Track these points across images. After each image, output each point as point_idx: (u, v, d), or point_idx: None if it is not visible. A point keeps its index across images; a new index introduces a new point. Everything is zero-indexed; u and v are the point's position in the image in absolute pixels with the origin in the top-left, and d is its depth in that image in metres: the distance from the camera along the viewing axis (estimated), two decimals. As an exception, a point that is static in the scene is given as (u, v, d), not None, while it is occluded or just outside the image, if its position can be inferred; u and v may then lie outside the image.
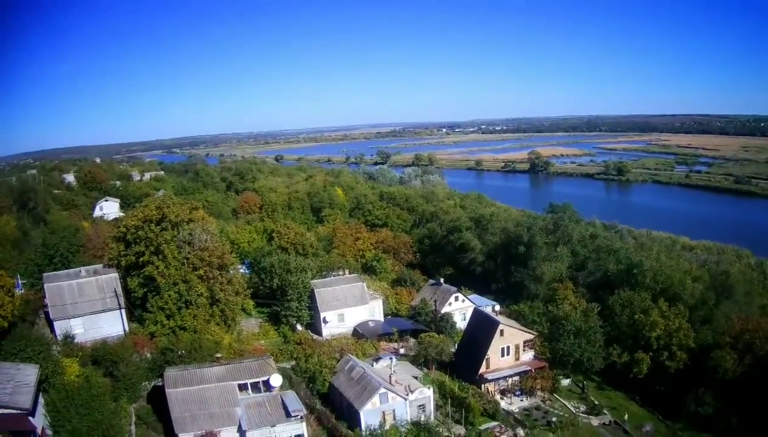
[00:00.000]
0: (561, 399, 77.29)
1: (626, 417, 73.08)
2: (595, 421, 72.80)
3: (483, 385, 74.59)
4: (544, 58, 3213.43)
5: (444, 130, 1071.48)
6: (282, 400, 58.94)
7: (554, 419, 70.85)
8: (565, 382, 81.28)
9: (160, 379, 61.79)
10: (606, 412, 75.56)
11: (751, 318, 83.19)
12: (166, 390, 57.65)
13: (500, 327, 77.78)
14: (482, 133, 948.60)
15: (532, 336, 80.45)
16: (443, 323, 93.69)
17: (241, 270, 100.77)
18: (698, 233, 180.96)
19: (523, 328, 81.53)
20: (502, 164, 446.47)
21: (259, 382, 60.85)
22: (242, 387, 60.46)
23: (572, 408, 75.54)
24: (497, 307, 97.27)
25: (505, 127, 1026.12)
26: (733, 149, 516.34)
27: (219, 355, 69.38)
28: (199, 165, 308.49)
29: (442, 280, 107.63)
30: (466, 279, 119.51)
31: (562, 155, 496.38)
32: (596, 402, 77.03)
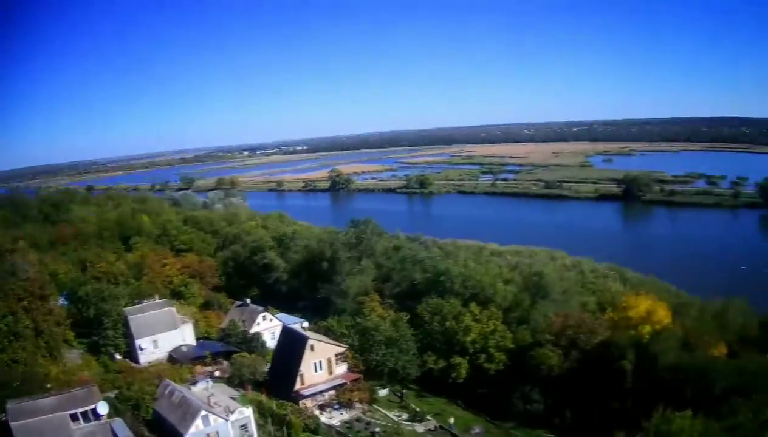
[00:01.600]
0: (381, 410, 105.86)
1: (452, 421, 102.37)
2: (419, 428, 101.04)
3: (300, 401, 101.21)
4: (340, 79, 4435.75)
5: (245, 152, 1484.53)
6: (112, 428, 78.31)
7: (377, 430, 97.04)
8: (383, 392, 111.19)
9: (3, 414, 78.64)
10: (429, 418, 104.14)
11: (571, 315, 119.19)
12: (10, 424, 74.18)
13: (310, 342, 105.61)
14: (283, 154, 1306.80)
15: (343, 349, 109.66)
16: (254, 343, 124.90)
17: (60, 302, 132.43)
18: (507, 238, 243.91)
19: (332, 342, 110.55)
20: (303, 184, 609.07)
21: (88, 411, 78.83)
22: (74, 417, 77.92)
23: (394, 417, 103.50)
24: (305, 324, 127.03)
25: (305, 147, 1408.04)
26: (543, 156, 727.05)
27: (49, 386, 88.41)
28: (19, 197, 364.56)
29: (248, 301, 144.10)
30: (273, 299, 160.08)
31: (363, 172, 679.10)
32: (417, 410, 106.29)
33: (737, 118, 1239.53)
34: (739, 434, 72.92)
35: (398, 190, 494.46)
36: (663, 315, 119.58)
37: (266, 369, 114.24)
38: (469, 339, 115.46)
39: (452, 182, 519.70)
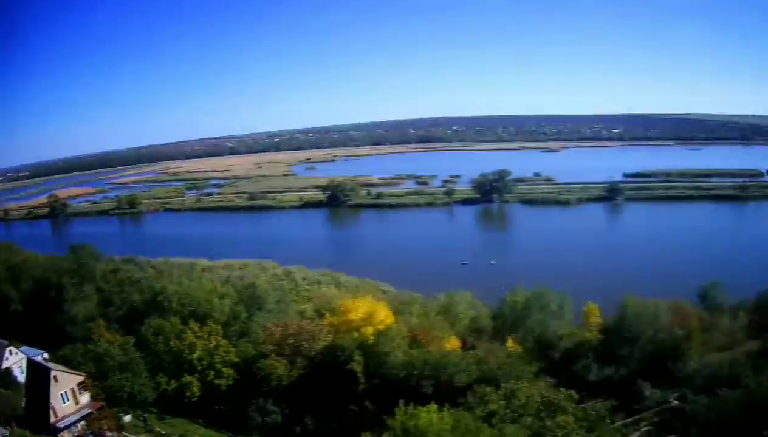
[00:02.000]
0: (129, 436, 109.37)
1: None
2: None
3: (58, 434, 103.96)
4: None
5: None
6: None
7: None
8: (128, 418, 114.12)
9: None
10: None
11: (290, 324, 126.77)
12: None
13: (53, 373, 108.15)
14: (8, 181, 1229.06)
15: (83, 378, 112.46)
16: (7, 379, 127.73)
17: None
18: (217, 253, 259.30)
19: (72, 371, 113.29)
20: (26, 211, 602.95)
21: None
22: None
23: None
24: (46, 355, 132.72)
25: (27, 173, 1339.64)
26: (246, 168, 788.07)
27: None
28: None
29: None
30: (14, 331, 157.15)
31: (78, 195, 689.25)
32: (162, 432, 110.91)
33: (448, 118, 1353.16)
34: (497, 421, 79.51)
35: (111, 212, 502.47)
36: (384, 315, 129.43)
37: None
38: (195, 356, 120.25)
39: (159, 200, 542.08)
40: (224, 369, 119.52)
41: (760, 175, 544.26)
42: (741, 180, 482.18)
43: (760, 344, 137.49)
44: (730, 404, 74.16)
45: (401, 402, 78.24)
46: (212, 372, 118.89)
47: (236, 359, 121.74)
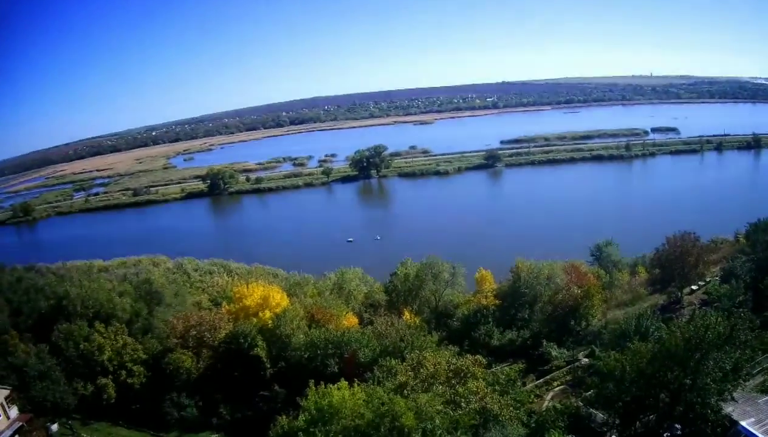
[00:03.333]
0: None
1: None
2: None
3: None
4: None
5: None
6: None
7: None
8: (55, 427, 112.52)
9: None
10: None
11: (190, 316, 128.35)
12: None
13: None
14: None
15: (8, 391, 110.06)
16: None
17: None
18: (110, 252, 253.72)
19: None
20: None
21: None
22: None
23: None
24: None
25: None
26: (127, 164, 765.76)
27: None
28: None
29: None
30: None
31: None
32: None
33: (319, 98, 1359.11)
34: (409, 391, 79.89)
35: (8, 222, 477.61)
36: (279, 297, 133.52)
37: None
38: (105, 357, 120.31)
39: (50, 205, 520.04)
40: (135, 367, 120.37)
41: (645, 133, 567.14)
42: (625, 139, 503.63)
43: (666, 297, 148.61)
44: (642, 355, 77.21)
45: (311, 382, 79.99)
46: (124, 372, 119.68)
47: (144, 356, 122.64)
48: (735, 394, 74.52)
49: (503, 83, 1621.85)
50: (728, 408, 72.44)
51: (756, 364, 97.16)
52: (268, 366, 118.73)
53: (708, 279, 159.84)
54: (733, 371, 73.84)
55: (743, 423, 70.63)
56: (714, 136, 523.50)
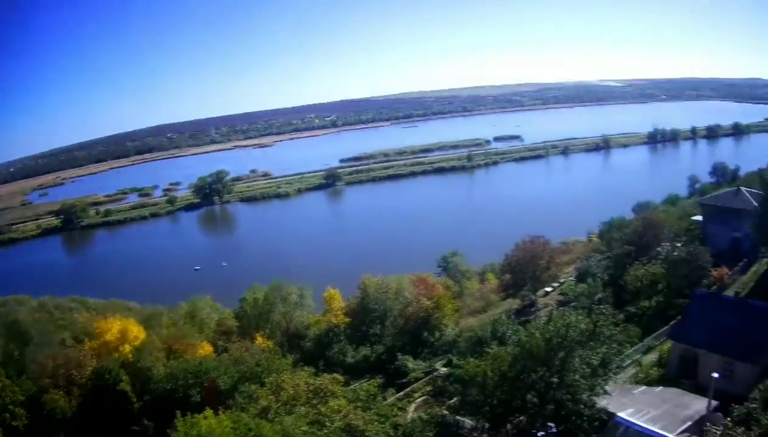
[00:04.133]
0: None
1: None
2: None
3: None
4: None
5: None
6: None
7: None
8: None
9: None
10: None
11: (58, 355, 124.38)
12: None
13: None
14: None
15: None
16: None
17: None
18: None
19: None
20: None
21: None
22: None
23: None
24: None
25: None
26: None
27: None
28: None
29: None
30: None
31: None
32: None
33: (162, 126, 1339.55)
34: (273, 415, 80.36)
35: None
36: (136, 331, 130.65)
37: None
38: None
39: None
40: (16, 410, 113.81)
41: (487, 142, 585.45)
42: (467, 150, 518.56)
43: (519, 301, 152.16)
44: (503, 359, 78.02)
45: (178, 413, 78.73)
46: (8, 415, 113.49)
47: (22, 397, 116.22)
48: (609, 388, 75.92)
49: (343, 101, 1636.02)
50: (603, 402, 73.45)
51: (626, 357, 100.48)
52: (135, 400, 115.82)
53: (563, 280, 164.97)
54: (601, 366, 75.29)
55: (621, 415, 71.90)
56: (560, 140, 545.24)
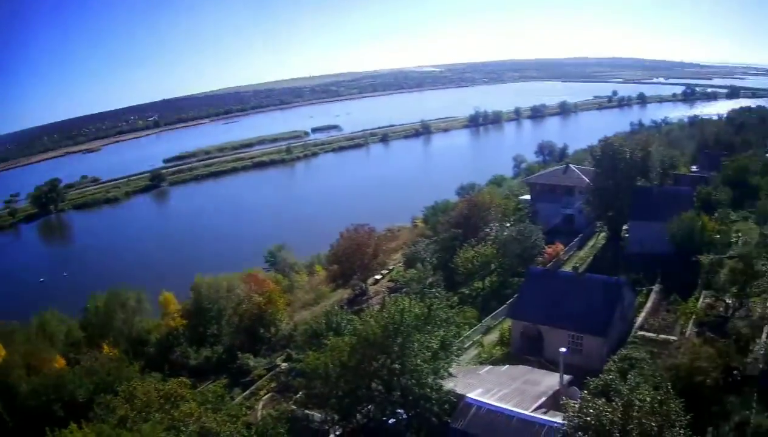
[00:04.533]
0: None
1: None
2: None
3: None
4: None
5: None
6: None
7: None
8: None
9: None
10: None
11: None
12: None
13: None
14: None
15: None
16: None
17: None
18: None
19: None
20: None
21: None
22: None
23: None
24: None
25: None
26: None
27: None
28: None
29: None
30: None
31: None
32: None
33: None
34: (131, 424, 79.17)
35: None
36: None
37: None
38: None
39: None
40: None
41: (306, 134, 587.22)
42: (286, 143, 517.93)
43: (350, 291, 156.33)
44: (341, 349, 77.07)
45: (47, 430, 78.72)
46: None
47: None
48: (453, 370, 77.90)
49: (164, 101, 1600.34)
50: (449, 385, 74.61)
51: (466, 339, 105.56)
52: (8, 420, 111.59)
53: (391, 267, 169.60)
54: (442, 349, 76.98)
55: (470, 395, 73.21)
56: (379, 128, 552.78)
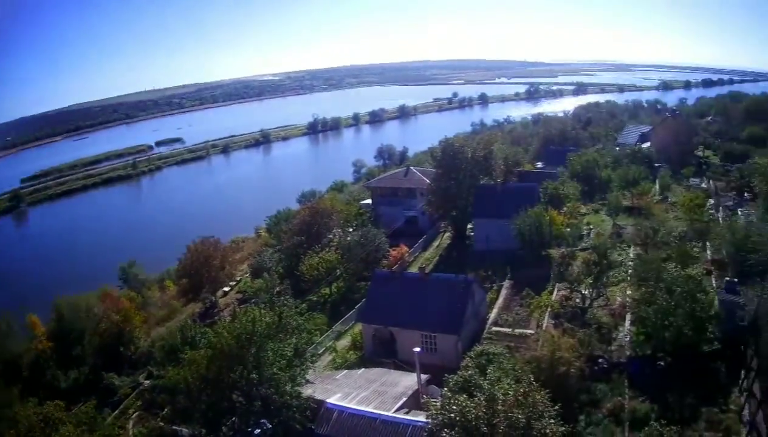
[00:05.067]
0: None
1: None
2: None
3: None
4: None
5: None
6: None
7: None
8: None
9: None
10: None
11: None
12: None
13: None
14: None
15: None
16: None
17: None
18: None
19: None
20: None
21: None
22: None
23: None
24: None
25: None
26: None
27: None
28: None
29: None
30: None
31: None
32: None
33: None
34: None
35: None
36: None
37: None
38: None
39: None
40: None
41: (150, 148, 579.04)
42: (131, 158, 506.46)
43: (201, 304, 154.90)
44: (198, 362, 76.42)
45: None
46: None
47: None
48: (310, 376, 78.25)
49: (21, 118, 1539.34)
50: (308, 391, 74.42)
51: (319, 345, 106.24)
52: None
53: (239, 278, 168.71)
54: (296, 356, 76.44)
55: (330, 400, 73.13)
56: (220, 139, 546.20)
